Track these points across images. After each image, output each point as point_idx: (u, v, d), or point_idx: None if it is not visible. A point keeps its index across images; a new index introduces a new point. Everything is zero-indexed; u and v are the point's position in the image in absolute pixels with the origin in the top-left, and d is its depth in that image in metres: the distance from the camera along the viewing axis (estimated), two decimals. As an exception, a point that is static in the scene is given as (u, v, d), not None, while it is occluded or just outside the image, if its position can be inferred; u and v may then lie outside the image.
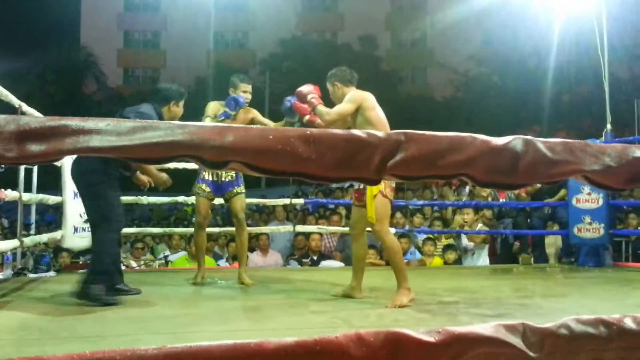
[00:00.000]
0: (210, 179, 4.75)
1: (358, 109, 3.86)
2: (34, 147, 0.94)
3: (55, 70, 25.71)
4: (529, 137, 1.20)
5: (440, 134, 1.20)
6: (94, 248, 3.83)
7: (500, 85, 22.15)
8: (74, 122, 0.98)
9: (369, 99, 3.91)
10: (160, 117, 4.04)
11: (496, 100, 21.11)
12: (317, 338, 1.00)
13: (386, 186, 3.75)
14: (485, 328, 1.14)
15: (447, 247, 6.95)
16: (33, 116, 4.88)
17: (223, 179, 4.74)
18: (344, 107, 3.88)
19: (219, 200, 6.74)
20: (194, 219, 5.81)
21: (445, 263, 6.78)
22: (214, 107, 4.76)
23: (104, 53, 28.31)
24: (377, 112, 3.89)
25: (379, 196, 3.73)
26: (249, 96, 4.75)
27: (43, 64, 24.88)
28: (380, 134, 1.08)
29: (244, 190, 4.81)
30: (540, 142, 1.19)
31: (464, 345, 1.13)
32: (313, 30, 30.98)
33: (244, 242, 4.80)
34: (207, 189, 4.73)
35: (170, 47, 31.33)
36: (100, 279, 3.61)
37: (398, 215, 7.54)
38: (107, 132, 1.00)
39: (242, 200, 4.81)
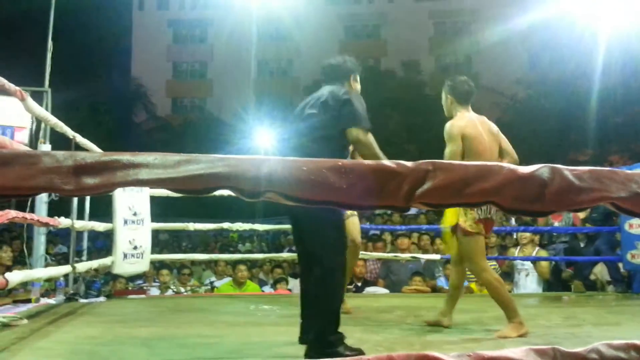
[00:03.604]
0: None
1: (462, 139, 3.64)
2: (89, 180, 1.03)
3: (107, 101, 26.61)
4: (556, 165, 1.22)
5: (467, 163, 1.24)
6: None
7: (548, 108, 21.81)
8: (125, 157, 1.06)
9: (468, 127, 3.70)
10: None
11: (544, 124, 20.76)
12: (350, 360, 1.04)
13: (467, 220, 3.55)
14: (516, 352, 1.16)
15: (504, 275, 6.78)
16: (88, 149, 5.10)
17: None
18: (449, 150, 3.66)
19: (262, 227, 6.82)
20: (240, 245, 5.89)
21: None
22: None
23: (154, 83, 29.15)
24: (479, 141, 3.69)
25: (460, 234, 3.54)
26: None
27: (95, 95, 25.78)
28: (409, 164, 1.13)
29: (355, 213, 4.67)
30: (567, 170, 1.21)
31: (496, 369, 1.15)
32: (356, 57, 30.98)
33: (352, 266, 4.72)
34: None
35: (216, 76, 32.03)
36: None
37: (438, 241, 7.47)
38: (154, 165, 1.07)
39: (358, 223, 4.71)
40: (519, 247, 7.10)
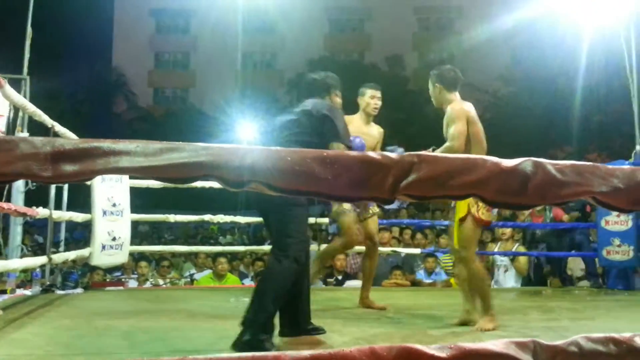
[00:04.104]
0: None
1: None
2: (68, 168, 1.01)
3: (87, 91, 26.32)
4: (539, 159, 1.23)
5: (452, 155, 1.24)
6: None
7: (529, 106, 22.00)
8: (105, 144, 1.04)
9: (471, 111, 3.74)
10: None
11: (525, 120, 20.93)
12: (332, 351, 1.04)
13: (480, 208, 3.53)
14: (496, 344, 1.17)
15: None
16: (67, 138, 5.03)
17: None
18: (457, 129, 3.63)
19: (244, 219, 6.79)
20: (221, 237, 5.86)
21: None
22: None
23: (135, 74, 28.88)
24: (478, 126, 3.74)
25: (469, 220, 3.54)
26: (379, 102, 4.69)
27: (75, 84, 25.50)
28: (394, 155, 1.13)
29: (377, 211, 4.71)
30: (550, 164, 1.22)
31: (475, 361, 1.16)
32: (340, 50, 31.16)
33: (375, 265, 4.72)
34: (350, 207, 4.53)
35: (199, 67, 31.81)
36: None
37: (419, 236, 7.51)
38: (136, 153, 1.06)
39: (376, 222, 4.74)
40: (498, 243, 7.17)
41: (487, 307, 3.55)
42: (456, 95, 3.86)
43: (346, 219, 4.49)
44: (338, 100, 3.61)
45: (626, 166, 1.12)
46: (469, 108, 3.75)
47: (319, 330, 3.14)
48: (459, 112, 3.68)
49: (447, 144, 3.64)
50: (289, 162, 1.09)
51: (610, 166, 1.28)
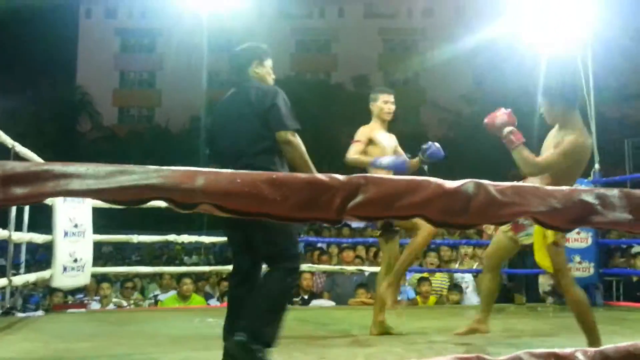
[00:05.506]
0: None
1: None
2: (18, 191, 1.01)
3: (50, 109, 25.95)
4: (480, 180, 1.28)
5: (398, 177, 1.28)
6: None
7: (492, 125, 22.44)
8: (56, 166, 1.06)
9: (588, 153, 3.24)
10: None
11: (487, 139, 21.33)
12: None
13: (557, 233, 3.14)
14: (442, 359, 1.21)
15: (454, 287, 6.84)
16: (28, 158, 4.95)
17: None
18: (556, 159, 3.14)
19: (209, 239, 6.75)
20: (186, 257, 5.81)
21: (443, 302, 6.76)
22: (363, 129, 4.38)
23: (100, 92, 28.59)
24: (581, 166, 3.28)
25: (552, 246, 3.17)
26: (392, 106, 4.45)
27: (38, 103, 25.12)
28: (341, 177, 1.17)
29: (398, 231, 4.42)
30: (491, 185, 1.27)
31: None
32: (306, 70, 31.42)
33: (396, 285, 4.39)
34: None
35: (165, 86, 31.66)
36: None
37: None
38: (86, 176, 1.07)
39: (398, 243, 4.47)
40: (458, 262, 7.29)
41: (594, 342, 3.02)
42: (579, 118, 3.30)
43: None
44: (264, 70, 3.22)
45: (570, 187, 1.17)
46: (590, 146, 3.28)
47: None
48: (578, 147, 3.16)
49: (536, 160, 3.20)
50: (239, 184, 1.12)
51: (549, 187, 1.34)
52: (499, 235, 3.60)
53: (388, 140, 4.37)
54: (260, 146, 2.93)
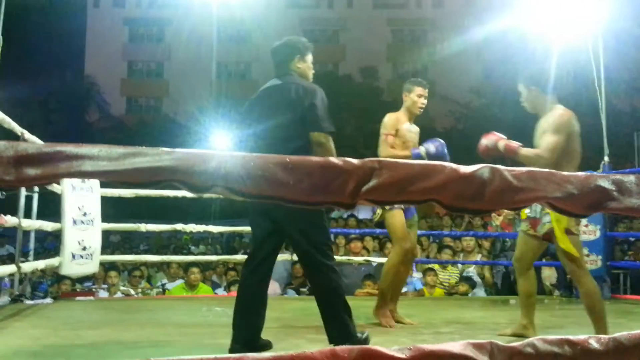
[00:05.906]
0: None
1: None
2: (31, 171, 1.01)
3: (59, 99, 26.04)
4: (496, 165, 1.27)
5: (411, 162, 1.27)
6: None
7: (500, 117, 22.36)
8: (68, 148, 1.05)
9: (576, 124, 3.34)
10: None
11: (496, 131, 21.29)
12: (293, 353, 1.05)
13: (570, 220, 3.21)
14: (454, 346, 1.20)
15: (464, 279, 6.83)
16: (31, 143, 4.96)
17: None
18: (554, 141, 3.25)
19: (217, 229, 6.75)
20: (193, 247, 5.82)
21: (453, 293, 6.76)
22: (390, 120, 4.30)
23: (108, 82, 28.67)
24: (578, 141, 3.36)
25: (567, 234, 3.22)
26: (425, 101, 4.32)
27: (47, 93, 25.20)
28: (355, 161, 1.16)
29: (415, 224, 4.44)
30: (506, 171, 1.25)
31: (433, 361, 1.19)
32: (315, 61, 31.07)
33: (406, 279, 4.57)
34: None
35: (173, 76, 31.67)
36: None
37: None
38: (99, 157, 1.07)
39: (417, 232, 4.51)
40: (462, 254, 7.29)
41: (602, 333, 2.89)
42: (557, 101, 3.47)
43: (396, 221, 4.19)
44: (305, 66, 3.28)
45: (586, 173, 1.16)
46: (575, 122, 3.36)
47: (265, 347, 3.11)
48: (564, 122, 3.31)
49: (538, 152, 3.31)
50: (253, 167, 1.11)
51: (565, 173, 1.33)
52: (523, 237, 3.59)
53: (410, 134, 4.32)
54: (293, 145, 2.92)
